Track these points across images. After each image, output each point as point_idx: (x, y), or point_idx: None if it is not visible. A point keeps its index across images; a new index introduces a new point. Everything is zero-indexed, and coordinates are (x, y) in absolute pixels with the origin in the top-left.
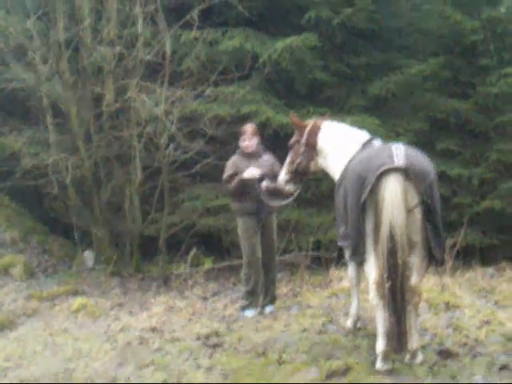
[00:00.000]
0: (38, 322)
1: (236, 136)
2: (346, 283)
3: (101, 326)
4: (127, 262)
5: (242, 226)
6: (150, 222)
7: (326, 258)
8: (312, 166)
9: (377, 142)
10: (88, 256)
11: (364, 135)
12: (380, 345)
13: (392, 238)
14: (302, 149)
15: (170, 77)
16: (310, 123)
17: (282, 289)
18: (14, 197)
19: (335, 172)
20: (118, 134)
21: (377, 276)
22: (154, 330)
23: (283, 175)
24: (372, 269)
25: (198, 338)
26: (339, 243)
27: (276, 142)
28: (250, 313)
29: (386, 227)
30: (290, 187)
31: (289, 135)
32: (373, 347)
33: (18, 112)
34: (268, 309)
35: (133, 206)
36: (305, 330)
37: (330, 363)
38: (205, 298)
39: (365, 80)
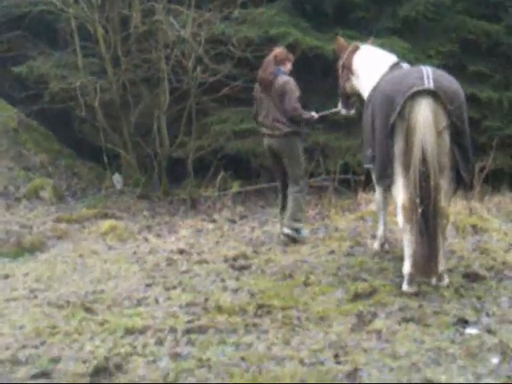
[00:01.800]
0: (68, 244)
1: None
2: (373, 206)
3: (129, 248)
4: (156, 185)
5: (301, 148)
6: (178, 146)
7: (354, 181)
8: (348, 87)
9: (405, 65)
10: (117, 179)
11: (392, 58)
12: (406, 267)
13: (424, 160)
14: (340, 70)
15: None
16: (351, 46)
17: (310, 212)
18: (42, 120)
19: (364, 93)
20: (146, 57)
21: (405, 199)
22: (182, 252)
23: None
24: (400, 192)
25: (226, 261)
26: (365, 165)
27: (304, 64)
28: (307, 232)
29: (417, 150)
30: (344, 111)
31: (317, 57)
32: (399, 270)
33: (46, 35)
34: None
35: (161, 128)
36: (332, 252)
37: (356, 285)
38: (232, 221)
39: (394, 2)
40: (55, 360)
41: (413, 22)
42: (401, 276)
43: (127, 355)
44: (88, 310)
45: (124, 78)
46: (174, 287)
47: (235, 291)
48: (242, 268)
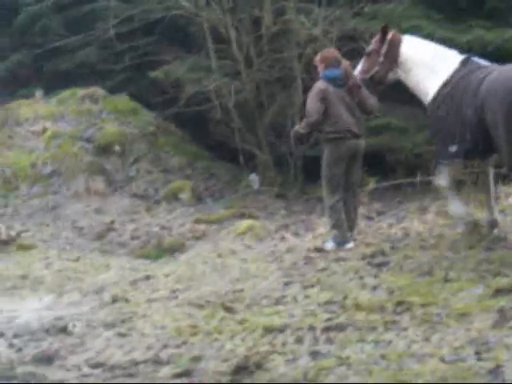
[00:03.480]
0: (207, 244)
1: None
2: None
3: (267, 247)
4: (292, 184)
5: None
6: (313, 144)
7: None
8: (390, 77)
9: (478, 60)
10: (253, 179)
11: (456, 54)
12: None
13: None
14: (382, 59)
15: None
16: (390, 34)
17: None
18: (179, 123)
19: (422, 88)
20: (278, 57)
21: None
22: (319, 250)
23: None
24: None
25: (363, 258)
26: (444, 161)
27: None
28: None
29: None
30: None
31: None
32: None
33: (180, 39)
34: None
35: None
36: (471, 247)
37: (497, 280)
38: (370, 218)
39: None
40: (196, 359)
41: None
42: None
43: (267, 354)
44: (227, 309)
45: (257, 78)
46: (312, 285)
47: (373, 288)
48: (380, 265)
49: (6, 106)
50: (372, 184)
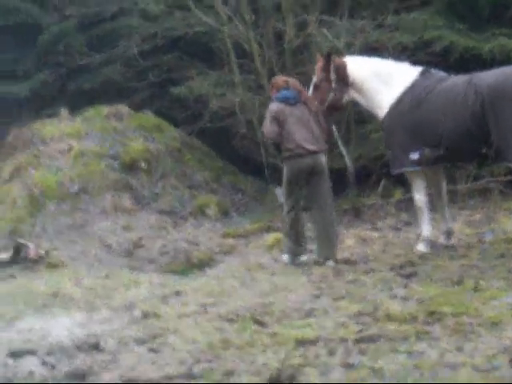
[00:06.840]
0: (235, 258)
1: (421, 64)
2: None
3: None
4: None
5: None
6: (338, 156)
7: None
8: (345, 99)
9: (436, 70)
10: (279, 192)
11: (408, 65)
12: None
13: None
14: (334, 85)
15: (349, 8)
16: (333, 60)
17: (476, 215)
18: (203, 138)
19: (379, 101)
20: (302, 70)
21: None
22: (348, 261)
23: None
24: None
25: (392, 269)
26: (403, 168)
27: (462, 66)
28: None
29: None
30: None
31: (475, 58)
32: None
33: (203, 55)
34: None
35: None
36: (501, 255)
37: None
38: (397, 229)
39: None
40: (229, 373)
41: None
42: None
43: (300, 366)
44: (258, 322)
45: None
46: (342, 297)
47: (404, 299)
48: (410, 275)
49: (31, 125)
50: (398, 194)
